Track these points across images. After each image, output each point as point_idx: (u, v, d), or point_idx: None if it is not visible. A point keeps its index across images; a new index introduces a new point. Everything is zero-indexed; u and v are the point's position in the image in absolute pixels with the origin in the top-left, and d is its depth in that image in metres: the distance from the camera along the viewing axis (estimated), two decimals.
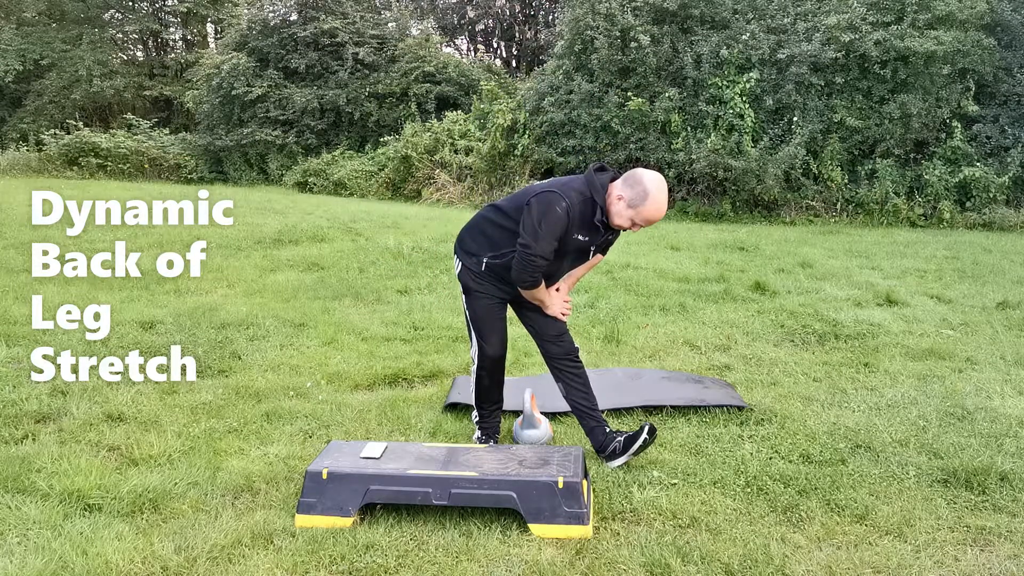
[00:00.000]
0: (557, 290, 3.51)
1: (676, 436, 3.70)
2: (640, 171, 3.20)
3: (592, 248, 3.38)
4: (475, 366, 3.55)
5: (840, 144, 12.93)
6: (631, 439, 3.31)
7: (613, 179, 3.25)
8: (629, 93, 13.55)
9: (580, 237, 3.26)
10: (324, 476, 2.88)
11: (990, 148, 12.86)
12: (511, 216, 3.31)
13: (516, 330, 3.78)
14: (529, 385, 3.82)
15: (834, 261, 8.69)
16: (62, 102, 24.65)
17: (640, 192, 3.13)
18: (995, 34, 12.96)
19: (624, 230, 3.32)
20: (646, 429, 3.31)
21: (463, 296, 3.52)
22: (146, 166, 20.19)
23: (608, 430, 3.41)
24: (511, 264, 3.28)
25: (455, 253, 3.52)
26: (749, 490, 3.15)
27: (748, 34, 13.12)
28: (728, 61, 13.08)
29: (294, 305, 6.24)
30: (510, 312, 3.58)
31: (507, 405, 3.73)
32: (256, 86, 19.90)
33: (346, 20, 20.50)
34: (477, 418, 3.66)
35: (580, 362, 3.51)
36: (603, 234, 3.31)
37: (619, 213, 3.19)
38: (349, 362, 4.83)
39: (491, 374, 3.54)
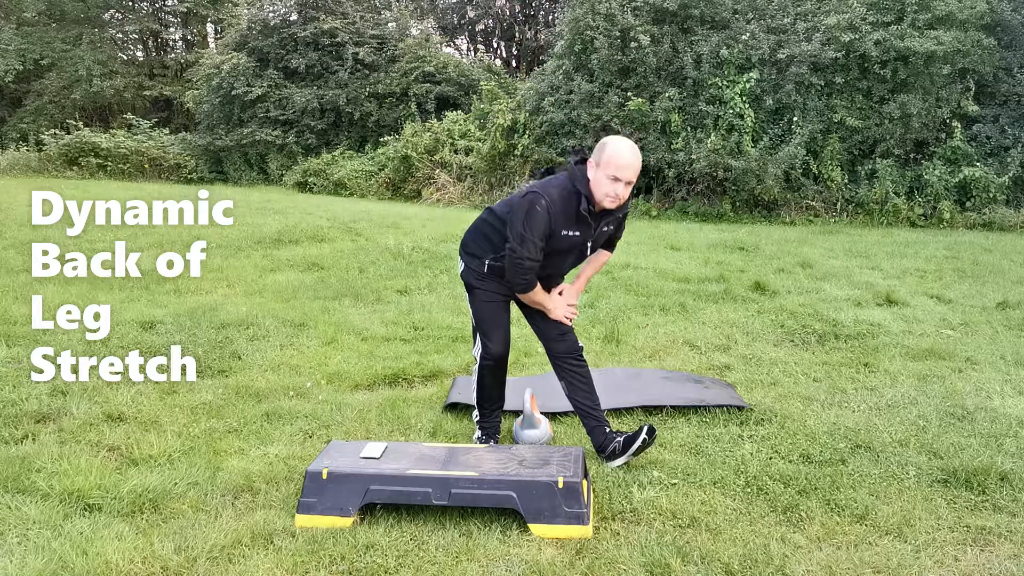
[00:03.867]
0: (560, 293, 3.52)
1: (676, 436, 3.70)
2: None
3: (589, 244, 3.37)
4: (478, 364, 3.55)
5: (840, 144, 12.92)
6: (630, 439, 3.32)
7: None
8: (629, 93, 13.55)
9: (569, 233, 3.25)
10: (324, 476, 2.88)
11: (990, 148, 12.86)
12: (504, 220, 3.35)
13: (516, 330, 3.78)
14: (529, 385, 3.82)
15: (834, 261, 8.68)
16: (62, 102, 24.67)
17: (599, 148, 3.19)
18: (995, 34, 12.94)
19: (616, 211, 3.28)
20: (645, 430, 3.31)
21: (467, 295, 3.55)
22: (146, 166, 20.19)
23: (608, 430, 3.41)
24: None
25: (460, 255, 3.54)
26: (749, 490, 3.15)
27: (748, 34, 13.11)
28: (728, 61, 13.08)
29: (294, 305, 6.24)
30: (515, 312, 3.58)
31: (507, 405, 3.72)
32: (256, 86, 19.92)
33: (346, 20, 20.52)
34: (478, 417, 3.66)
35: (583, 361, 3.51)
36: (595, 226, 3.29)
37: (598, 184, 3.17)
38: (349, 362, 4.83)
39: (493, 372, 3.54)
